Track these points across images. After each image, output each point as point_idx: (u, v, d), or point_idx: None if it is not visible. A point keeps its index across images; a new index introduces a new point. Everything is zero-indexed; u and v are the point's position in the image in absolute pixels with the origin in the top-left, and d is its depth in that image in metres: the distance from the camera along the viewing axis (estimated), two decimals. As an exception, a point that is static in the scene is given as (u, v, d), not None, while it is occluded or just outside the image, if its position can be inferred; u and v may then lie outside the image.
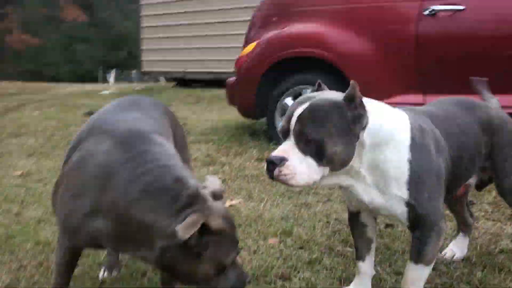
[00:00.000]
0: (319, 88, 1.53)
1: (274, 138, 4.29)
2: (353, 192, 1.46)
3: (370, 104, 1.41)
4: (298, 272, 1.88)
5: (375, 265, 1.81)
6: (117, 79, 21.19)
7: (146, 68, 11.93)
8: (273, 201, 2.76)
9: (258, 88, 4.39)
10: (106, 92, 11.67)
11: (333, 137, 1.33)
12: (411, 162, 1.41)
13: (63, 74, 23.95)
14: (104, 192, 1.31)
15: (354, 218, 1.65)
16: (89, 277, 1.86)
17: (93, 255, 2.03)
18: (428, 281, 1.74)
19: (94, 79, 24.00)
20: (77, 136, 1.55)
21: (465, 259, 1.93)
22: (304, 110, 1.36)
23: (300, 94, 4.15)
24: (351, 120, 1.35)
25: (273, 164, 1.36)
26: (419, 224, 1.45)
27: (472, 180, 1.81)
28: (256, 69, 4.36)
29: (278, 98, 4.31)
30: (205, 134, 4.94)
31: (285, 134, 1.40)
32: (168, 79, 12.03)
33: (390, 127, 1.42)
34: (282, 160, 1.35)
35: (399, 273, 1.81)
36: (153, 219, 1.27)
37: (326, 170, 1.37)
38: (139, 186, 1.29)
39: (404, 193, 1.42)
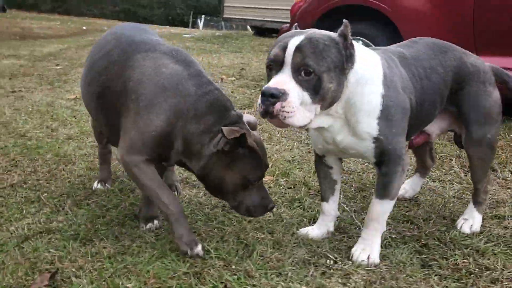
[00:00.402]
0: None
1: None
2: (329, 132, 1.45)
3: None
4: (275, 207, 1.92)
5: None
6: (206, 25, 21.61)
7: (226, 14, 12.02)
8: (289, 145, 2.78)
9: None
10: (187, 35, 12.01)
11: (330, 73, 1.29)
12: (383, 96, 1.40)
13: (156, 16, 24.82)
14: (177, 105, 1.48)
15: (320, 160, 1.64)
16: (83, 186, 2.04)
17: (87, 165, 2.23)
18: (398, 232, 1.71)
19: (184, 24, 24.71)
20: (103, 50, 1.69)
21: (446, 218, 1.84)
22: (303, 41, 1.28)
23: (351, 45, 4.02)
24: (345, 58, 1.32)
25: (273, 97, 1.26)
26: (386, 159, 1.45)
27: (434, 130, 1.73)
28: (309, 17, 4.25)
29: (329, 48, 4.19)
30: (255, 80, 4.98)
31: (278, 64, 1.31)
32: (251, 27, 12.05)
33: (367, 66, 1.40)
34: (284, 94, 1.26)
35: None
36: (210, 130, 1.47)
37: (318, 108, 1.32)
38: (205, 103, 1.49)
39: (373, 129, 1.41)
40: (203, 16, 23.23)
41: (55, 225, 1.66)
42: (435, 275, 1.43)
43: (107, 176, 2.04)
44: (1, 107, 3.40)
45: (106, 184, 2.02)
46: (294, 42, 1.29)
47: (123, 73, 1.55)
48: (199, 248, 1.49)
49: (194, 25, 22.91)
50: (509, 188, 2.14)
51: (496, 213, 1.87)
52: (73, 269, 1.39)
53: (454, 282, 1.40)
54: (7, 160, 2.30)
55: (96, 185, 2.01)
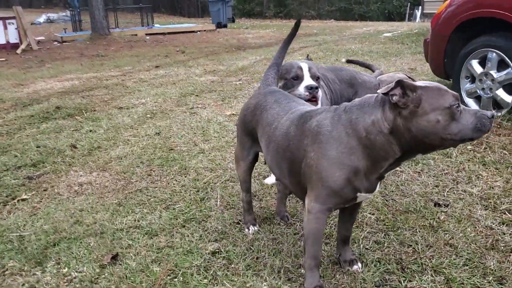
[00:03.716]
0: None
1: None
2: None
3: None
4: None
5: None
6: (425, 17, 20.78)
7: (427, 9, 11.63)
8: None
9: (447, 48, 4.25)
10: (388, 34, 12.06)
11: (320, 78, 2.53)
12: None
13: (372, 12, 24.88)
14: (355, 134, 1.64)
15: None
16: (180, 194, 2.80)
17: (194, 177, 2.97)
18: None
19: (401, 17, 24.14)
20: (291, 123, 1.86)
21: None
22: (310, 64, 2.43)
23: (485, 57, 3.88)
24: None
25: (316, 89, 2.36)
26: None
27: None
28: (446, 28, 4.21)
29: (464, 59, 4.09)
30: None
31: (299, 77, 2.38)
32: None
33: None
34: (317, 88, 2.37)
35: (433, 268, 2.03)
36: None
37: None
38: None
39: None
40: (418, 7, 22.31)
41: (141, 223, 2.45)
42: None
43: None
44: (173, 123, 4.49)
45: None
46: (306, 66, 2.41)
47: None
48: None
49: (411, 17, 22.26)
50: None
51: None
52: (132, 254, 2.14)
53: None
54: (146, 171, 3.24)
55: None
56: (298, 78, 2.38)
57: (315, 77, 2.40)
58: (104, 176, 3.17)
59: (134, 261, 2.09)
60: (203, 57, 9.67)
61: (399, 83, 1.53)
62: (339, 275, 1.94)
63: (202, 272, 1.98)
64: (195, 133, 4.13)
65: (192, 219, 2.46)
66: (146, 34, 14.97)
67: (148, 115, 4.83)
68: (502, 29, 3.75)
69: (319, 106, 2.34)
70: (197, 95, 5.87)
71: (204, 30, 16.44)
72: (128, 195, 2.83)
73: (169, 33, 15.47)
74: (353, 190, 1.67)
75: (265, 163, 2.94)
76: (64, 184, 3.04)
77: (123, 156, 3.53)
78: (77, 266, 2.08)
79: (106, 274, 2.00)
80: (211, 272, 1.97)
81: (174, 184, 2.96)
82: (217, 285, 1.89)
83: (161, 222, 2.45)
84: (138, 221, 2.48)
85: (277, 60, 2.28)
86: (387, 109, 1.58)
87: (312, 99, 2.35)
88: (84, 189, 2.96)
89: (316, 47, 10.58)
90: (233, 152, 3.54)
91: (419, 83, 1.57)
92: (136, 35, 14.90)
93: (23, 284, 1.99)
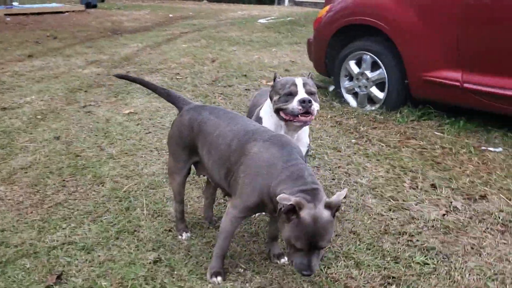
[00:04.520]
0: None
1: (340, 95, 4.72)
2: None
3: None
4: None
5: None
6: (291, 1, 21.83)
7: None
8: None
9: (328, 50, 4.78)
10: (262, 21, 12.59)
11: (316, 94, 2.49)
12: None
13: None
14: (270, 175, 1.95)
15: None
16: (103, 205, 2.88)
17: (112, 186, 3.06)
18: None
19: (271, 0, 25.07)
20: (227, 143, 2.14)
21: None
22: (305, 80, 2.46)
23: (361, 59, 4.46)
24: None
25: (310, 102, 2.38)
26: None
27: None
28: (326, 32, 4.73)
29: (343, 60, 4.65)
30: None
31: (293, 93, 2.40)
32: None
33: None
34: (311, 102, 2.38)
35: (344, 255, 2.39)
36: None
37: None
38: (288, 171, 1.92)
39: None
40: (286, -9, 23.22)
41: (73, 238, 2.51)
42: None
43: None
44: (70, 124, 4.38)
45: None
46: (300, 81, 2.45)
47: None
48: (218, 279, 2.14)
49: (280, 1, 23.24)
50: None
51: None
52: (74, 272, 2.22)
53: None
54: (59, 180, 3.22)
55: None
56: (292, 94, 2.40)
57: (310, 93, 2.41)
58: (13, 189, 3.07)
59: (79, 278, 2.18)
60: (79, 44, 9.20)
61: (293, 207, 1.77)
62: (272, 269, 2.26)
63: (150, 282, 2.15)
64: (96, 135, 4.11)
65: (124, 231, 2.58)
66: (6, 15, 13.61)
67: (39, 116, 4.62)
68: (374, 34, 4.35)
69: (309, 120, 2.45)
70: (86, 91, 5.70)
71: (73, 11, 15.41)
72: (49, 209, 2.81)
73: (33, 13, 14.24)
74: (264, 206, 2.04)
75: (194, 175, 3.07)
76: (-30, 203, 2.90)
77: (28, 166, 3.43)
78: (19, 291, 2.11)
79: (53, 297, 2.07)
80: (159, 281, 2.15)
81: (93, 194, 3.01)
82: (166, 293, 2.09)
83: (93, 236, 2.53)
84: (70, 236, 2.53)
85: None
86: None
87: (306, 114, 2.39)
88: (-5, 206, 2.87)
89: (196, 33, 10.71)
90: (143, 156, 3.65)
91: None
92: (-7, 15, 13.46)
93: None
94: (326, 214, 1.80)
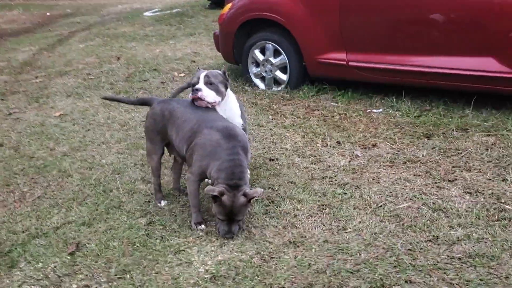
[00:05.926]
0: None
1: (248, 80, 5.53)
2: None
3: None
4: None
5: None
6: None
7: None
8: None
9: (235, 41, 5.55)
10: (149, 13, 12.86)
11: (219, 85, 2.95)
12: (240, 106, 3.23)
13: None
14: (212, 157, 2.67)
15: None
16: (81, 192, 3.37)
17: (81, 176, 3.54)
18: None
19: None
20: (190, 126, 2.83)
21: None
22: (210, 73, 2.96)
23: (264, 48, 5.30)
24: (225, 82, 2.98)
25: (198, 90, 2.89)
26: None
27: None
28: (231, 26, 5.48)
29: (249, 49, 5.45)
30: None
31: (196, 84, 2.91)
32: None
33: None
34: (200, 90, 2.90)
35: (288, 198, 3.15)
36: (218, 182, 2.61)
37: (219, 98, 2.98)
38: (225, 165, 2.61)
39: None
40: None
41: (70, 218, 3.00)
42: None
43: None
44: (5, 132, 4.63)
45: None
46: (203, 74, 2.96)
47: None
48: (202, 226, 2.80)
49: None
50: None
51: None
52: (85, 240, 2.75)
53: (278, 223, 2.81)
54: (28, 178, 3.60)
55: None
56: (194, 84, 2.97)
57: (209, 83, 2.93)
58: (-12, 192, 3.41)
59: (92, 244, 2.72)
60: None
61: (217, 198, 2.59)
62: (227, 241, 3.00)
63: (152, 236, 2.77)
64: (39, 138, 4.45)
65: (110, 207, 3.13)
66: None
67: (-32, 128, 4.77)
68: (274, 26, 5.21)
69: (206, 104, 2.96)
70: (2, 99, 5.83)
71: None
72: (34, 202, 3.24)
73: None
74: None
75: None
76: (-47, 208, 3.19)
77: (-11, 171, 3.73)
78: (48, 260, 2.60)
79: (80, 259, 2.60)
80: (158, 235, 2.78)
81: (68, 185, 3.47)
82: (168, 240, 2.73)
83: (86, 215, 3.04)
84: (66, 218, 3.02)
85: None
86: None
87: (197, 98, 2.94)
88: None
89: (87, 31, 10.77)
90: (94, 150, 4.12)
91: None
92: None
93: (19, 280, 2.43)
94: (242, 199, 2.59)
